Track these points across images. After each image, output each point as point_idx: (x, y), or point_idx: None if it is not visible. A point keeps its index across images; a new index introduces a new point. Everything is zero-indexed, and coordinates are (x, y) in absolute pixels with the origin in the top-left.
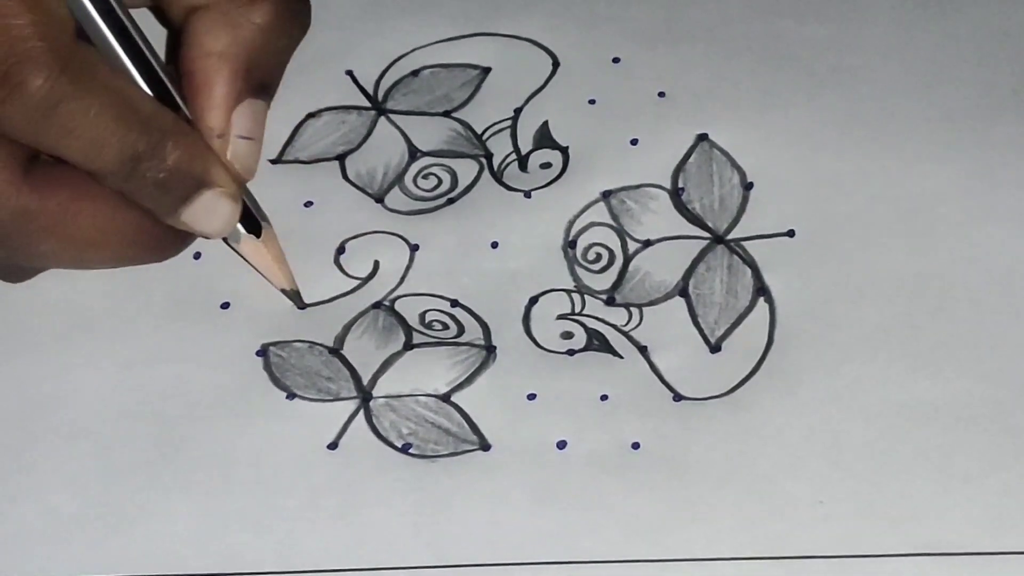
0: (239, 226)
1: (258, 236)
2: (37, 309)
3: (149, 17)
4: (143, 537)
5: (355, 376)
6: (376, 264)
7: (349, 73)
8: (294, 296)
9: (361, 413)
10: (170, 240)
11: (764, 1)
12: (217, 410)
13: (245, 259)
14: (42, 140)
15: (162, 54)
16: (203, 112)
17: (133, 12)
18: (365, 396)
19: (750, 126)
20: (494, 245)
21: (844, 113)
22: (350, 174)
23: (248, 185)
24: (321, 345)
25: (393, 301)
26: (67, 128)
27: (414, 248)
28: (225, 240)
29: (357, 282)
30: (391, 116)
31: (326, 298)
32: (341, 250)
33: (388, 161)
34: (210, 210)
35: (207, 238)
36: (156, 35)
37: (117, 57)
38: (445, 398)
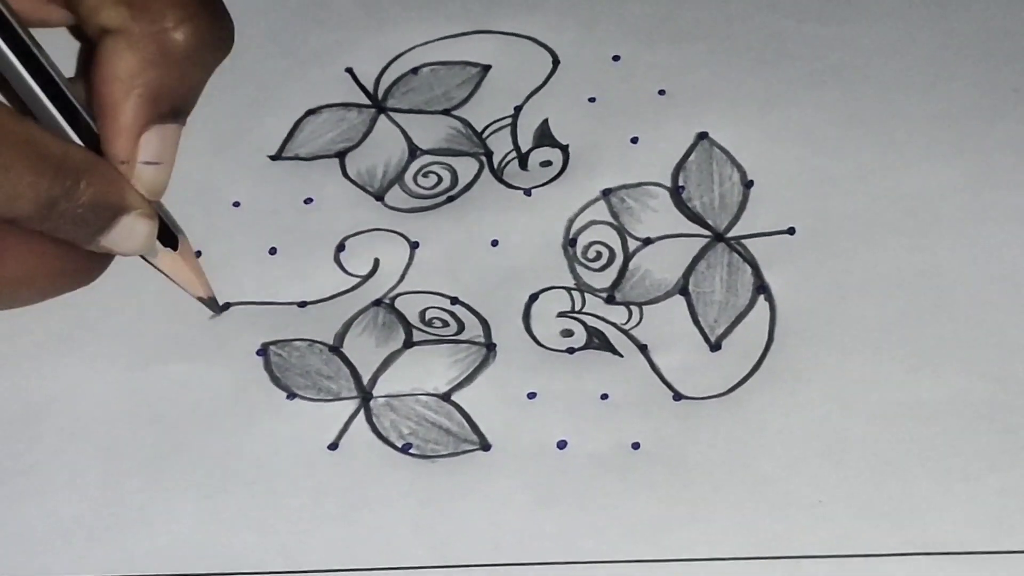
0: (156, 241)
1: (175, 249)
2: (38, 311)
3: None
4: (145, 537)
5: (355, 375)
6: (376, 262)
7: (349, 71)
8: (211, 303)
9: (361, 413)
10: (94, 263)
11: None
12: (218, 411)
13: (162, 271)
14: None
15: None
16: (108, 140)
17: (54, 31)
18: (365, 396)
19: (750, 124)
20: (494, 243)
21: (844, 111)
22: (350, 172)
23: (247, 182)
24: (321, 343)
25: (393, 299)
26: None
27: (414, 246)
28: (143, 256)
29: (357, 280)
30: (391, 114)
31: (326, 296)
32: (341, 247)
33: (388, 159)
34: (128, 233)
35: (126, 256)
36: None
37: (24, 89)
38: (445, 397)
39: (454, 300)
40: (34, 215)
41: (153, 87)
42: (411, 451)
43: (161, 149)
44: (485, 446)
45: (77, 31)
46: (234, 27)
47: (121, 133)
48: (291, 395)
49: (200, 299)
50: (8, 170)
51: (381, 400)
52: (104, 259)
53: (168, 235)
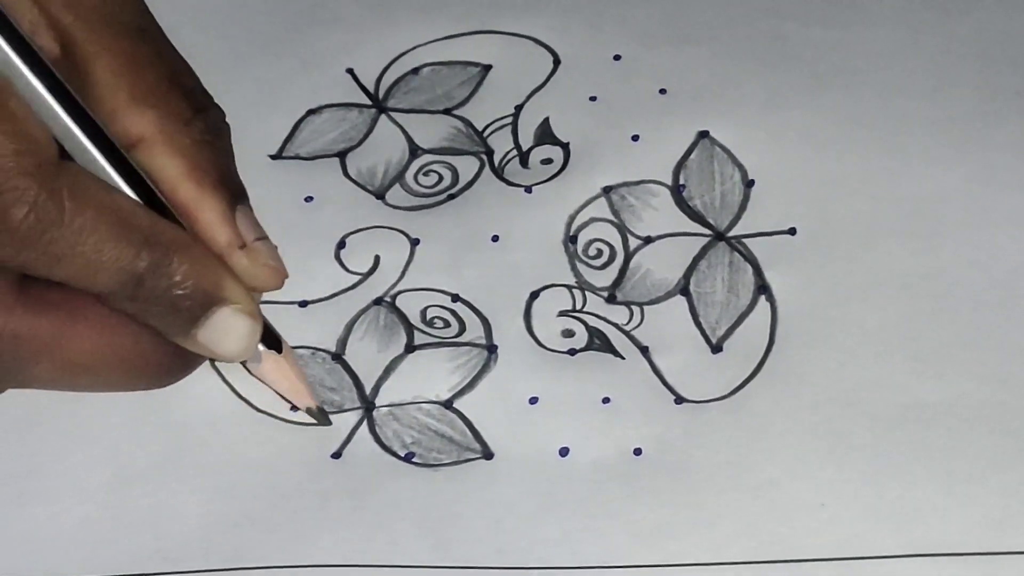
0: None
1: (279, 351)
2: None
3: None
4: (147, 544)
5: (358, 385)
6: (377, 259)
7: (350, 71)
8: (320, 415)
9: (365, 423)
10: (176, 364)
11: (766, 1)
12: (222, 419)
13: (263, 381)
14: (32, 268)
15: None
16: (211, 234)
17: None
18: (368, 406)
19: (751, 124)
20: (495, 239)
21: (846, 113)
22: (351, 171)
23: (248, 180)
24: (323, 351)
25: (394, 297)
26: (57, 254)
27: (415, 243)
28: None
29: (358, 277)
30: (392, 114)
31: (327, 294)
32: (342, 245)
33: (389, 159)
34: (227, 329)
35: (227, 361)
36: None
37: (105, 171)
38: (448, 404)
39: (455, 297)
40: (119, 291)
41: (213, 175)
42: (414, 460)
43: (257, 225)
44: (488, 454)
45: None
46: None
47: (220, 223)
48: (295, 407)
49: (308, 411)
50: (90, 235)
51: (384, 410)
52: (188, 361)
53: (270, 336)
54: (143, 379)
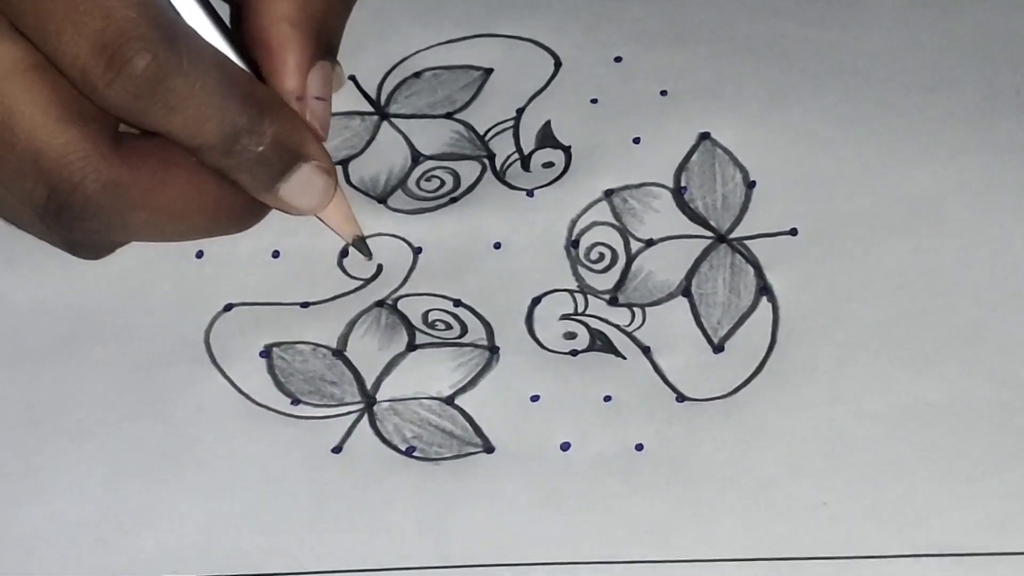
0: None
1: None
2: (42, 311)
3: None
4: (148, 539)
5: (359, 380)
6: (379, 267)
7: (352, 78)
8: (362, 245)
9: (365, 417)
10: (254, 209)
11: (766, 1)
12: (223, 413)
13: (319, 217)
14: (148, 116)
15: None
16: (281, 77)
17: None
18: (369, 401)
19: (753, 125)
20: (497, 245)
21: (847, 112)
22: (353, 179)
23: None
24: (324, 347)
25: (396, 300)
26: (171, 105)
27: (417, 251)
28: None
29: (360, 283)
30: (394, 120)
31: (329, 297)
32: (344, 252)
33: (391, 166)
34: (307, 184)
35: (302, 214)
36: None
37: (210, 32)
38: (449, 401)
39: (457, 302)
40: (218, 144)
41: (315, 24)
42: (415, 454)
43: (325, 85)
44: (488, 449)
45: None
46: None
47: (293, 70)
48: (295, 401)
49: (353, 243)
50: (202, 89)
51: (385, 404)
52: (263, 210)
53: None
54: (226, 224)
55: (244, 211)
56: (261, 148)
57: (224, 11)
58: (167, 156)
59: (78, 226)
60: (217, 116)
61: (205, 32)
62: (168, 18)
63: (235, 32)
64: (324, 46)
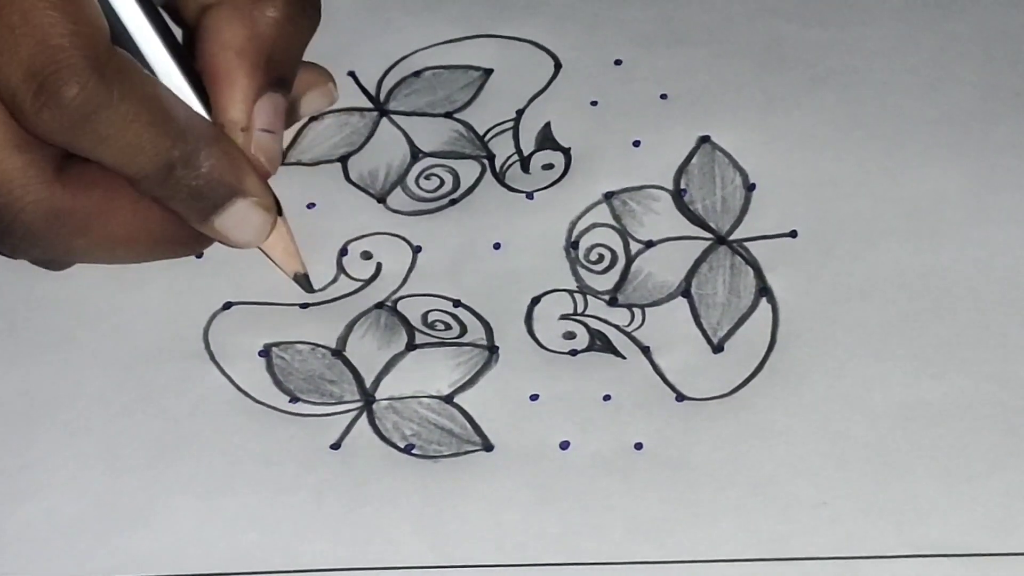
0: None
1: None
2: (39, 308)
3: None
4: (146, 537)
5: (358, 378)
6: (379, 266)
7: (351, 74)
8: (304, 281)
9: (364, 415)
10: (199, 237)
11: (766, 3)
12: (220, 410)
13: (262, 249)
14: (77, 146)
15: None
16: (225, 107)
17: None
18: (368, 399)
19: (752, 127)
20: (496, 246)
21: (846, 114)
22: (352, 176)
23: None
24: (324, 347)
25: (396, 301)
26: (102, 135)
27: (416, 250)
28: None
29: (359, 283)
30: (393, 117)
31: (328, 299)
32: (344, 251)
33: (390, 162)
34: (243, 220)
35: (239, 248)
36: None
37: (151, 60)
38: (448, 399)
39: (456, 303)
40: (151, 176)
41: (262, 54)
42: (413, 452)
43: (274, 117)
44: (487, 447)
45: (172, 13)
46: None
47: (237, 100)
48: (294, 399)
49: (295, 278)
50: (133, 122)
51: (384, 402)
52: (207, 235)
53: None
54: (171, 250)
55: (189, 238)
56: (196, 182)
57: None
58: (113, 183)
59: (21, 250)
60: (150, 148)
61: (155, 57)
62: (102, 47)
63: (189, 58)
64: (274, 77)
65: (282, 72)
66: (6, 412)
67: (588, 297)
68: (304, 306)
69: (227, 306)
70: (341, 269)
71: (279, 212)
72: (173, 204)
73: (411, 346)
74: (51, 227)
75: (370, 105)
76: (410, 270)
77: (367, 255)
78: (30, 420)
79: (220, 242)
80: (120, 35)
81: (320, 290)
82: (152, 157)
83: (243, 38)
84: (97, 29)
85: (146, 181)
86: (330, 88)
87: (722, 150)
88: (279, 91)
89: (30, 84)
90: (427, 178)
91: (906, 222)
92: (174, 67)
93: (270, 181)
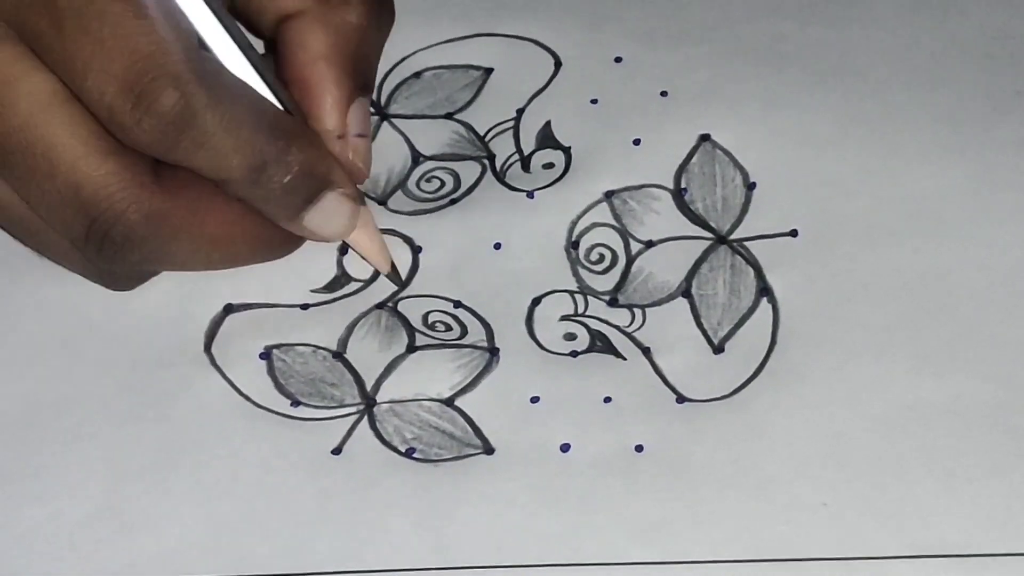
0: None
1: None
2: (41, 312)
3: None
4: (148, 542)
5: (359, 381)
6: None
7: None
8: (394, 275)
9: (365, 419)
10: (293, 236)
11: (766, 1)
12: (222, 415)
13: (354, 248)
14: (172, 154)
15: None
16: (320, 116)
17: None
18: (369, 402)
19: (753, 126)
20: (497, 246)
21: (847, 113)
22: None
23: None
24: (324, 349)
25: (396, 302)
26: (200, 140)
27: (417, 250)
28: None
29: (360, 284)
30: (394, 121)
31: (329, 298)
32: (344, 251)
33: (391, 167)
34: (333, 212)
35: (328, 241)
36: None
37: (236, 63)
38: (449, 402)
39: (457, 304)
40: (245, 176)
41: (349, 60)
42: (414, 455)
43: (364, 121)
44: (488, 450)
45: (247, 23)
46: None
47: (332, 109)
48: (295, 402)
49: (387, 275)
50: (230, 124)
51: (384, 406)
52: (299, 238)
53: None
54: (266, 252)
55: (284, 237)
56: (288, 178)
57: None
58: (206, 184)
59: (120, 257)
60: (245, 149)
61: (233, 63)
62: (193, 52)
63: (270, 66)
64: (361, 82)
65: (367, 76)
66: (9, 417)
67: (588, 298)
68: (305, 307)
69: (228, 309)
70: (341, 268)
71: (363, 203)
72: (263, 203)
73: (412, 348)
74: (152, 229)
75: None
76: (411, 270)
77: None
78: (33, 425)
79: (309, 238)
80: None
81: (321, 290)
82: (246, 157)
83: (328, 46)
84: (187, 33)
85: (239, 183)
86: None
87: (723, 149)
88: (366, 95)
89: (128, 96)
90: (428, 180)
91: (907, 221)
92: (253, 74)
93: None
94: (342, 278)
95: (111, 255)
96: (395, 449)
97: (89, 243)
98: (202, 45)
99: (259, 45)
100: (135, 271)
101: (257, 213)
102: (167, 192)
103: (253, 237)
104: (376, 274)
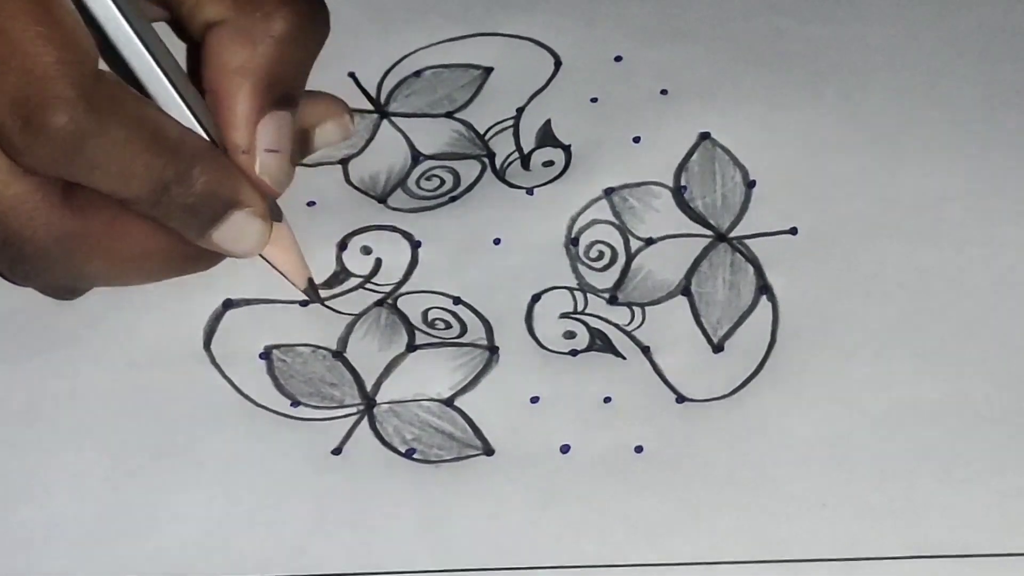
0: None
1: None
2: (41, 309)
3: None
4: (148, 541)
5: (359, 381)
6: (378, 261)
7: (351, 75)
8: (312, 291)
9: (365, 419)
10: (208, 252)
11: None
12: (222, 414)
13: (268, 261)
14: (70, 174)
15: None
16: (227, 129)
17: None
18: (369, 403)
19: (753, 124)
20: (496, 242)
21: (847, 111)
22: (353, 179)
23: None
24: (324, 349)
25: (396, 299)
26: (93, 163)
27: (416, 245)
28: None
29: (359, 279)
30: (394, 119)
31: (328, 295)
32: (343, 246)
33: (391, 165)
34: (240, 230)
35: (240, 258)
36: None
37: (143, 79)
38: (448, 403)
39: (456, 300)
40: (146, 198)
41: (265, 74)
42: (414, 456)
43: (278, 136)
44: (488, 451)
45: (177, 28)
46: (328, 12)
47: (240, 122)
48: (295, 403)
49: (305, 290)
50: (125, 146)
51: (384, 406)
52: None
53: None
54: (184, 267)
55: (199, 253)
56: (190, 199)
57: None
58: (118, 206)
59: (34, 276)
60: (143, 171)
61: (147, 76)
62: (89, 73)
63: (186, 77)
64: (278, 95)
65: (287, 89)
66: (8, 415)
67: (588, 295)
68: (304, 304)
69: (227, 304)
70: (341, 264)
71: (279, 218)
72: (170, 222)
73: (411, 347)
74: (62, 250)
75: (370, 107)
76: (410, 265)
77: (367, 250)
78: (32, 423)
79: (223, 254)
80: (111, 55)
81: (320, 286)
82: (145, 180)
83: (243, 58)
84: (84, 54)
85: (141, 203)
86: (346, 120)
87: (722, 147)
88: (284, 108)
89: (17, 117)
90: (428, 179)
91: (907, 219)
92: (166, 85)
93: None
94: (341, 274)
95: (25, 274)
96: (395, 450)
97: (3, 262)
98: (115, 56)
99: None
100: (61, 286)
101: (170, 230)
102: (77, 212)
103: (168, 253)
104: (376, 270)
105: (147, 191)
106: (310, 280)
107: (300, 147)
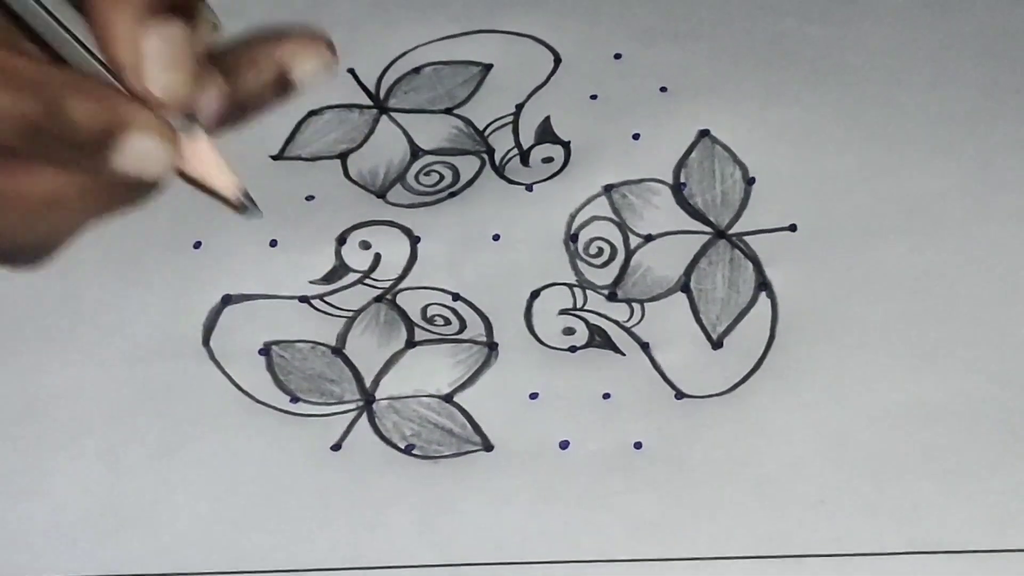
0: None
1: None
2: (40, 306)
3: None
4: (147, 536)
5: (358, 377)
6: (377, 257)
7: (351, 71)
8: (246, 199)
9: (364, 415)
10: (125, 186)
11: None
12: (222, 410)
13: (192, 177)
14: None
15: None
16: (110, 46)
17: None
18: (368, 399)
19: (752, 122)
20: (495, 237)
21: (846, 110)
22: (352, 173)
23: (248, 180)
24: (323, 345)
25: (395, 295)
26: None
27: (415, 240)
28: None
29: (359, 274)
30: (393, 114)
31: (328, 290)
32: (342, 241)
33: (390, 160)
34: (137, 153)
35: (155, 180)
36: None
37: (16, 9)
38: (448, 398)
39: (455, 296)
40: (21, 142)
41: None
42: (414, 452)
43: (165, 49)
44: (487, 447)
45: None
46: None
47: (120, 38)
48: (295, 399)
49: (235, 199)
50: None
51: (384, 402)
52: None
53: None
54: (109, 207)
55: (119, 185)
56: (71, 134)
57: None
58: (9, 152)
59: None
60: (8, 116)
61: (24, 9)
62: None
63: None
64: (167, 6)
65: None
66: (8, 412)
67: (587, 291)
68: (303, 299)
69: (226, 299)
70: (340, 259)
71: (188, 131)
72: (64, 163)
73: (410, 343)
74: None
75: (370, 102)
76: (409, 261)
77: (366, 245)
78: (32, 419)
79: (135, 179)
80: None
81: (319, 281)
82: (13, 124)
83: None
84: None
85: (20, 149)
86: (326, 53)
87: (722, 144)
88: (173, 18)
89: None
90: (427, 174)
91: (906, 217)
92: (38, 11)
93: (271, 166)
94: (340, 269)
95: None
96: (394, 445)
97: None
98: None
99: None
100: (20, 252)
101: (75, 168)
102: None
103: (84, 192)
104: (375, 265)
105: (18, 135)
106: (244, 190)
107: (282, 89)
